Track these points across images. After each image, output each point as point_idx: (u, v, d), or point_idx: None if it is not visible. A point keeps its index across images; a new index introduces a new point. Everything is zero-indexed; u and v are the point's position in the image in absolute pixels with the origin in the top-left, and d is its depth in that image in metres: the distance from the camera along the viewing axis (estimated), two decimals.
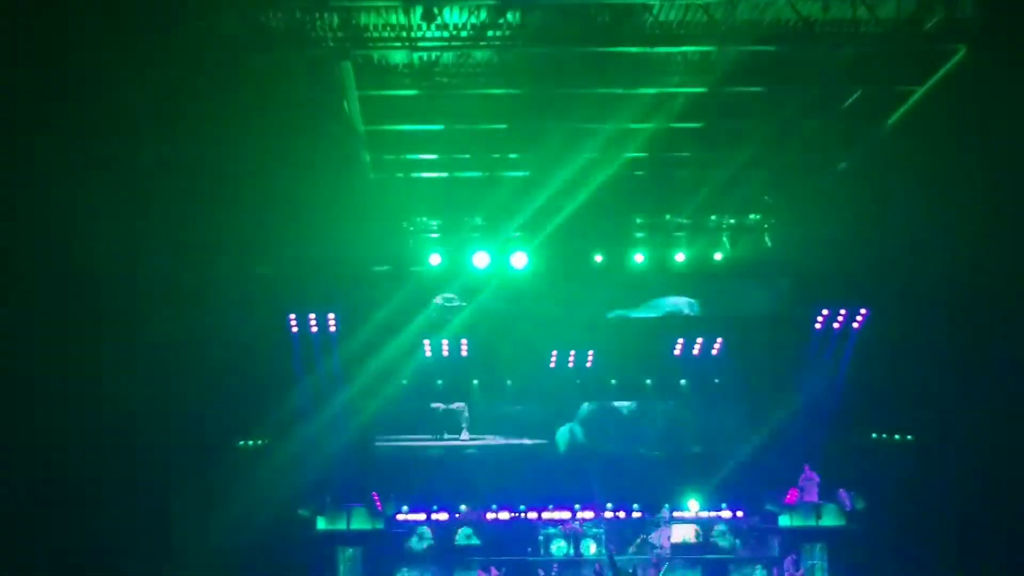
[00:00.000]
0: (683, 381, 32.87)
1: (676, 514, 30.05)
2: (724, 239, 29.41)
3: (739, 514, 30.25)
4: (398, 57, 22.03)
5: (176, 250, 24.38)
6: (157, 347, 25.66)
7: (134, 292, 24.58)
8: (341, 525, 28.39)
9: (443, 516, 30.20)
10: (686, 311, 31.22)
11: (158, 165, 22.23)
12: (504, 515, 30.16)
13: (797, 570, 27.31)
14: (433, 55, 21.92)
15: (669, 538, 29.25)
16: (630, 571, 28.01)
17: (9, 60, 18.57)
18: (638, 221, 28.92)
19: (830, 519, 28.30)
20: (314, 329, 29.36)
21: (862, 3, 20.41)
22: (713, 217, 28.73)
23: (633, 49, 21.50)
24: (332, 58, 20.80)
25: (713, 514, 30.32)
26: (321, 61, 21.12)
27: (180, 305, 25.46)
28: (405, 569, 29.17)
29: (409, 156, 26.21)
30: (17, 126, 19.77)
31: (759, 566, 28.80)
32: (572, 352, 31.77)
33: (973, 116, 21.83)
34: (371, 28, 20.79)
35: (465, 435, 32.62)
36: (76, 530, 25.06)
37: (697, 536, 29.65)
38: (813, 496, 28.65)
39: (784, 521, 28.59)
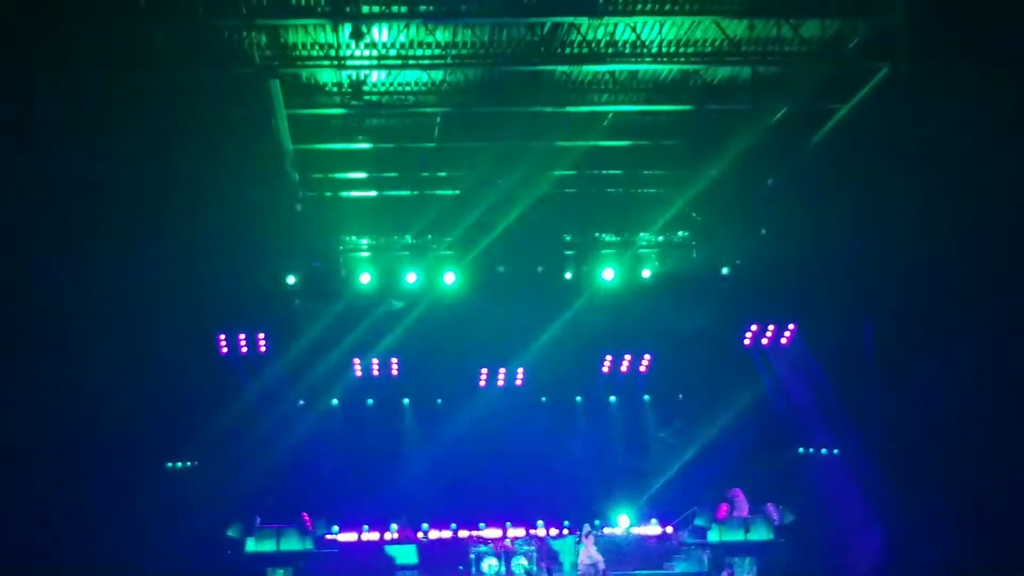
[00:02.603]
0: (612, 398, 33.01)
1: (607, 531, 30.15)
2: (652, 256, 29.56)
3: (668, 530, 30.40)
4: (326, 76, 22.00)
5: (101, 269, 24.10)
6: (84, 367, 25.38)
7: (58, 311, 24.29)
8: (271, 546, 28.11)
9: (374, 536, 30.07)
10: None
11: (83, 183, 21.97)
12: (435, 533, 30.09)
13: None
14: (361, 74, 21.92)
15: (590, 556, 29.27)
16: None
17: None
18: (567, 239, 28.99)
19: (759, 534, 28.43)
20: (244, 349, 29.15)
21: (786, 23, 20.68)
22: (642, 234, 28.84)
23: (562, 68, 21.65)
24: (260, 76, 20.70)
25: (643, 529, 30.47)
26: (248, 79, 21.02)
27: (106, 324, 25.21)
28: None
29: (338, 175, 26.15)
30: None
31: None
32: (502, 370, 31.80)
33: (897, 132, 22.15)
34: (299, 47, 20.79)
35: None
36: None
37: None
38: (743, 511, 28.82)
39: (713, 536, 28.70)
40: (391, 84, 22.50)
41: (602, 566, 28.58)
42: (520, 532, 29.99)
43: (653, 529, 30.47)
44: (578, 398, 33.10)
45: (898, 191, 22.95)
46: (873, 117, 22.15)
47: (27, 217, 21.96)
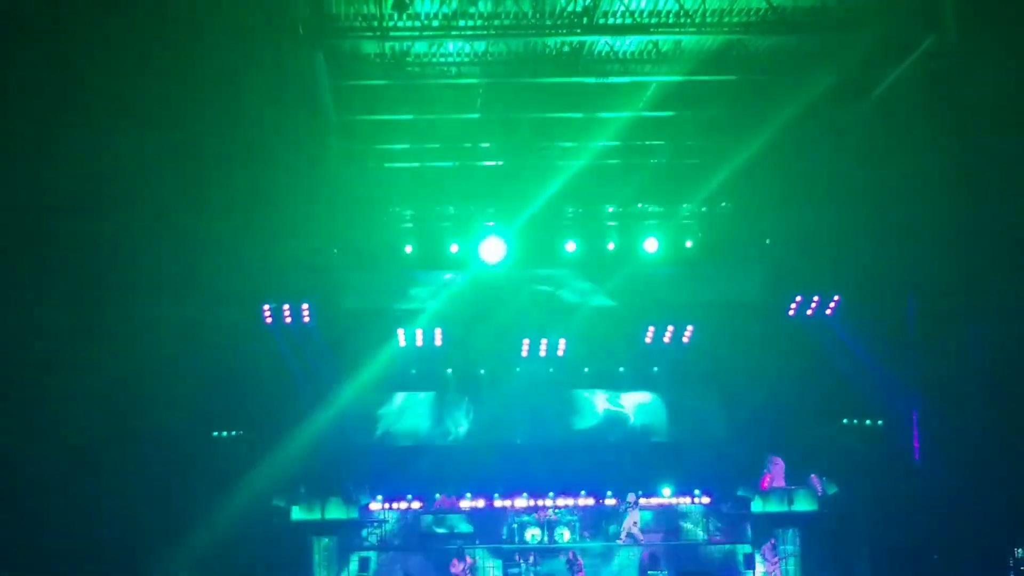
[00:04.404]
0: (655, 368, 32.99)
1: (649, 500, 30.25)
2: (695, 227, 29.48)
3: (711, 500, 30.44)
4: (370, 47, 22.02)
5: (148, 242, 24.31)
6: (131, 338, 25.63)
7: (106, 284, 24.53)
8: (316, 515, 28.35)
9: (417, 505, 30.27)
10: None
11: (130, 156, 22.13)
12: (478, 503, 30.27)
13: (775, 556, 27.42)
14: (405, 44, 21.93)
15: (636, 523, 29.39)
16: None
17: None
18: (610, 210, 28.98)
19: (802, 504, 28.41)
20: (288, 319, 29.30)
21: None
22: (685, 205, 28.76)
23: (604, 38, 21.58)
24: (303, 47, 20.77)
25: (685, 500, 30.51)
26: (292, 51, 21.08)
27: (152, 297, 25.43)
28: (381, 557, 29.20)
29: (382, 146, 26.20)
30: None
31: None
32: (544, 340, 31.83)
33: (943, 101, 21.95)
34: (343, 17, 20.79)
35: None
36: (52, 527, 25.05)
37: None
38: (780, 481, 28.80)
39: (757, 507, 28.71)
40: (434, 55, 22.49)
41: (643, 538, 28.76)
42: (562, 502, 30.12)
43: (697, 500, 30.51)
44: (621, 368, 33.06)
45: (943, 160, 22.77)
46: (919, 86, 21.96)
47: (75, 190, 22.15)
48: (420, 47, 22.12)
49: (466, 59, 22.67)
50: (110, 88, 20.21)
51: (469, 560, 27.96)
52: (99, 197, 22.64)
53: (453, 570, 27.59)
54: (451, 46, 22.12)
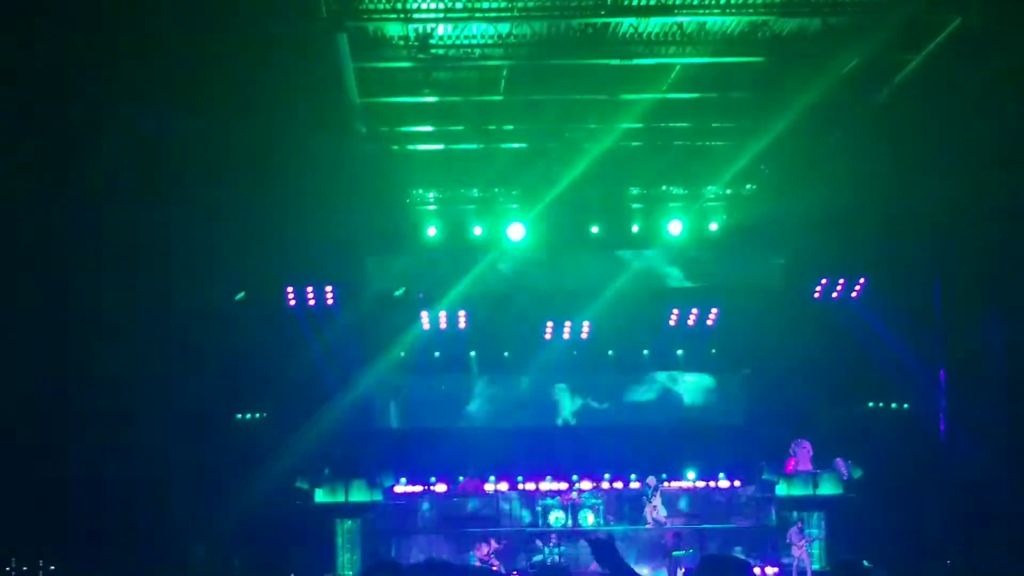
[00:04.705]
0: (679, 352, 32.92)
1: (673, 484, 30.25)
2: (720, 209, 29.36)
3: (737, 483, 30.41)
4: (393, 29, 21.93)
5: (173, 224, 24.36)
6: (155, 321, 25.71)
7: (131, 265, 24.60)
8: (340, 497, 28.39)
9: (442, 488, 30.32)
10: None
11: (155, 139, 22.17)
12: (502, 486, 30.30)
13: (802, 539, 27.35)
14: (428, 27, 21.83)
15: (657, 508, 29.39)
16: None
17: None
18: (634, 192, 28.88)
19: (827, 488, 28.31)
20: (311, 302, 29.34)
21: None
22: (710, 187, 28.62)
23: (629, 20, 21.45)
24: (327, 30, 20.70)
25: (710, 484, 30.50)
26: (316, 33, 21.01)
27: (177, 278, 25.50)
28: (405, 540, 29.26)
29: (405, 128, 26.13)
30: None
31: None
32: (567, 323, 31.80)
33: (969, 84, 21.79)
34: (366, 0, 20.72)
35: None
36: (77, 505, 25.20)
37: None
38: (807, 465, 28.72)
39: (782, 490, 28.63)
40: (458, 37, 22.37)
41: (667, 522, 28.73)
42: (587, 485, 30.13)
43: (721, 483, 30.49)
44: (645, 351, 33.00)
45: (968, 142, 22.62)
46: (945, 69, 21.77)
47: (100, 173, 22.20)
48: (444, 30, 22.02)
49: (489, 41, 22.57)
50: (135, 72, 20.20)
51: (495, 544, 27.98)
52: (124, 182, 22.68)
53: (478, 553, 27.63)
54: (475, 28, 22.00)
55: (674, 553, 27.65)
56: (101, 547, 25.23)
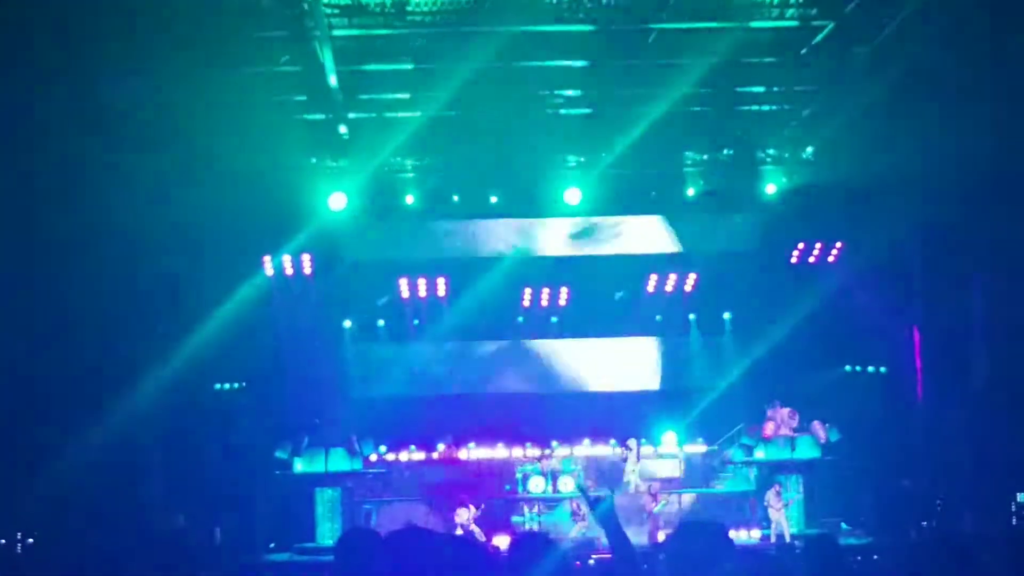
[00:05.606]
0: (658, 317, 32.96)
1: (651, 448, 30.34)
2: (697, 174, 29.20)
3: (715, 447, 30.54)
4: None
5: (146, 192, 24.11)
6: (129, 289, 25.54)
7: (103, 234, 24.38)
8: (319, 467, 28.41)
9: (420, 455, 30.35)
10: None
11: (125, 108, 21.94)
12: (481, 452, 30.35)
13: (780, 502, 27.51)
14: None
15: (635, 471, 29.45)
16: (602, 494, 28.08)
17: None
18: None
19: (805, 451, 28.51)
20: (289, 271, 29.20)
21: None
22: (687, 152, 28.43)
23: None
24: None
25: (688, 448, 30.62)
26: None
27: (152, 246, 25.32)
28: (385, 508, 29.27)
29: (383, 96, 25.90)
30: None
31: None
32: (546, 290, 31.77)
33: (941, 49, 21.66)
34: None
35: None
36: (53, 476, 25.05)
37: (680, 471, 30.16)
38: (784, 428, 28.88)
39: (759, 454, 28.80)
40: (435, 3, 22.17)
41: (644, 486, 28.78)
42: (565, 451, 30.21)
43: (700, 447, 30.63)
44: (623, 317, 32.98)
45: (944, 107, 22.57)
46: (919, 32, 21.67)
47: (65, 143, 21.96)
48: None
49: (466, 6, 22.33)
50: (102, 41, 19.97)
51: (474, 509, 28.01)
52: (91, 145, 22.42)
53: (458, 519, 27.65)
54: None
55: (655, 510, 27.76)
56: (79, 519, 25.11)
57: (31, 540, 25.98)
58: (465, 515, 27.84)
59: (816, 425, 28.61)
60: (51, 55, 19.62)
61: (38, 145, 21.69)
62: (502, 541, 26.76)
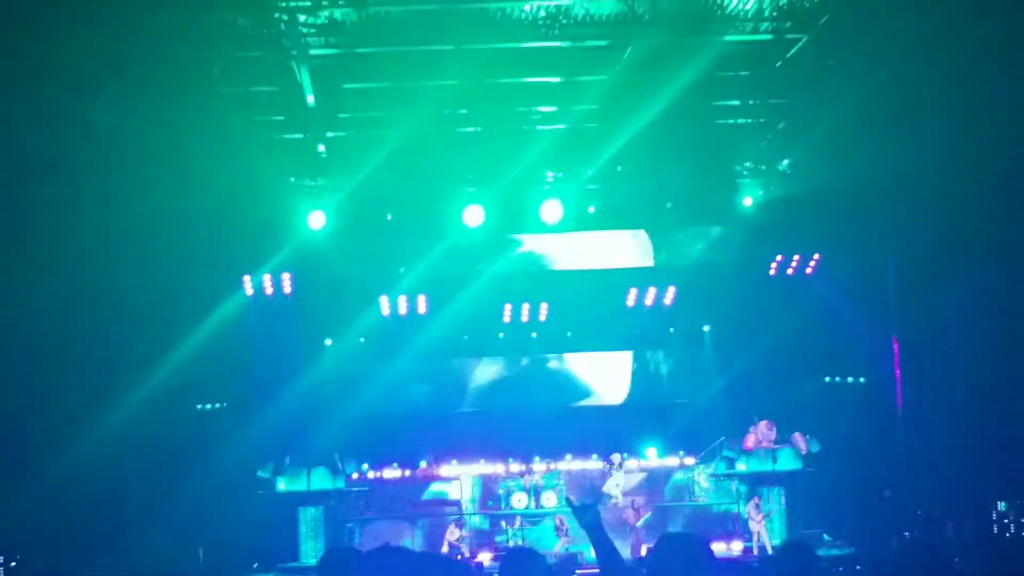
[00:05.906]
0: (638, 332, 33.00)
1: (634, 462, 30.36)
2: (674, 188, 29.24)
3: (695, 460, 30.58)
4: (348, 15, 21.71)
5: (126, 213, 24.12)
6: (112, 311, 25.54)
7: (83, 256, 24.37)
8: (301, 485, 28.39)
9: (403, 473, 30.31)
10: None
11: (103, 127, 21.95)
12: (463, 470, 30.33)
13: (759, 514, 27.59)
14: (383, 11, 21.63)
15: (619, 485, 29.54)
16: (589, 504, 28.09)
17: None
18: (589, 173, 28.56)
19: (786, 463, 28.58)
20: (269, 290, 29.18)
21: None
22: (665, 167, 28.44)
23: (582, 1, 21.28)
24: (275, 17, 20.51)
25: (670, 461, 30.65)
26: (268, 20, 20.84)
27: (131, 267, 25.31)
28: (368, 526, 29.26)
29: (362, 114, 25.91)
30: None
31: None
32: (526, 305, 31.80)
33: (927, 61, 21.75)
34: None
35: None
36: (35, 498, 24.99)
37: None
38: (764, 441, 28.95)
39: (741, 466, 28.86)
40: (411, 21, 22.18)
41: (630, 499, 28.82)
42: (548, 466, 30.21)
43: (681, 460, 30.66)
44: (603, 332, 33.01)
45: (917, 118, 22.68)
46: (893, 50, 21.76)
47: (41, 162, 21.95)
48: (396, 11, 21.76)
49: (443, 24, 22.33)
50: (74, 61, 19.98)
51: (462, 532, 28.09)
52: (70, 163, 22.42)
53: (449, 537, 27.72)
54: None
55: (638, 524, 27.82)
56: (62, 541, 25.05)
57: (13, 563, 25.91)
58: (457, 533, 27.93)
59: (797, 437, 28.69)
60: (42, 78, 19.67)
61: (19, 167, 21.71)
62: (485, 557, 26.83)
